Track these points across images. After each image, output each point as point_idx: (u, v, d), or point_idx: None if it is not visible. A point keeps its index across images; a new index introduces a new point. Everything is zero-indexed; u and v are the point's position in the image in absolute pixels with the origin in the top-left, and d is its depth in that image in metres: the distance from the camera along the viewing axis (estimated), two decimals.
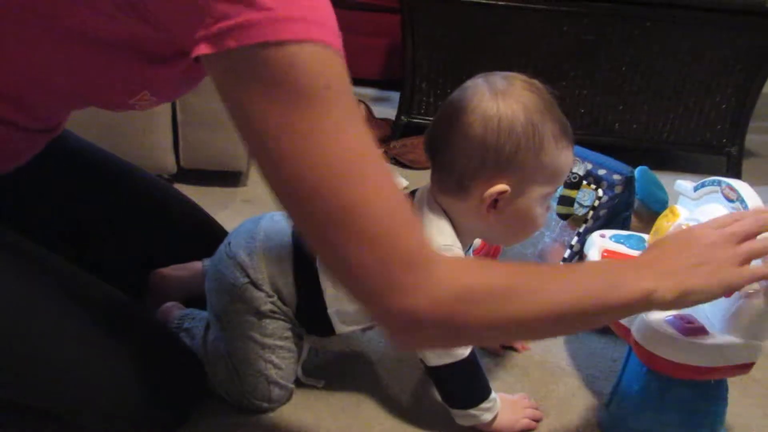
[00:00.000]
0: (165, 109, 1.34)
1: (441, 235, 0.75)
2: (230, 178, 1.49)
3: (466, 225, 0.77)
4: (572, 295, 0.58)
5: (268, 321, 0.80)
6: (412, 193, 0.81)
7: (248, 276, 0.79)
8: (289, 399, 0.83)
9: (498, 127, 0.69)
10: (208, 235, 0.97)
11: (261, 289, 0.79)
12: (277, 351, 0.81)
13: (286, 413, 0.81)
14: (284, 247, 0.80)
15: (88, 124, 1.14)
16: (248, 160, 1.48)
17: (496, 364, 0.94)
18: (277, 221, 0.83)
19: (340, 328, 0.81)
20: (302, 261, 0.79)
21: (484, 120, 0.70)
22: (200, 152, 1.41)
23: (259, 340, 0.80)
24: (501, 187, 0.71)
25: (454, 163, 0.72)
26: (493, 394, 0.79)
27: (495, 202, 0.73)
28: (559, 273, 0.66)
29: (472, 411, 0.78)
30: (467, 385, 0.78)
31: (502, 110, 0.70)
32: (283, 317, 0.81)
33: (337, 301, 0.79)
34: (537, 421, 0.83)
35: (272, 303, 0.79)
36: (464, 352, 0.76)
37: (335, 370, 0.90)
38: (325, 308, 0.79)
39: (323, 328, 0.82)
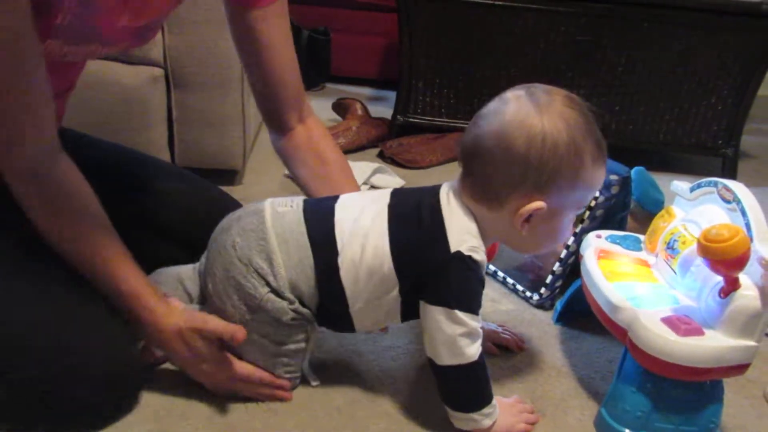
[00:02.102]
0: (160, 106, 1.34)
1: (469, 235, 0.75)
2: (226, 177, 1.48)
3: (492, 231, 0.77)
4: (84, 266, 0.74)
5: (285, 329, 0.79)
6: (435, 186, 0.80)
7: (268, 284, 0.77)
8: (295, 387, 0.85)
9: (542, 145, 0.70)
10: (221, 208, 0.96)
11: (283, 297, 0.77)
12: (290, 352, 0.81)
13: (281, 412, 0.81)
14: (302, 248, 0.78)
15: (83, 122, 1.14)
16: (244, 159, 1.47)
17: (491, 365, 0.93)
18: (282, 214, 0.80)
19: (361, 326, 0.82)
20: (323, 261, 0.77)
21: (529, 137, 0.70)
22: (195, 150, 1.40)
23: (273, 341, 0.80)
24: (538, 204, 0.72)
25: (493, 175, 0.73)
26: (494, 402, 0.78)
27: (529, 217, 0.73)
28: (107, 254, 0.75)
29: (474, 415, 0.77)
30: (473, 388, 0.78)
31: (547, 128, 0.70)
32: (301, 322, 0.79)
33: (358, 300, 0.78)
34: (532, 424, 0.82)
35: (293, 311, 0.78)
36: (474, 354, 0.75)
37: (331, 369, 0.89)
38: (347, 307, 0.79)
39: (344, 325, 0.82)
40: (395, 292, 0.77)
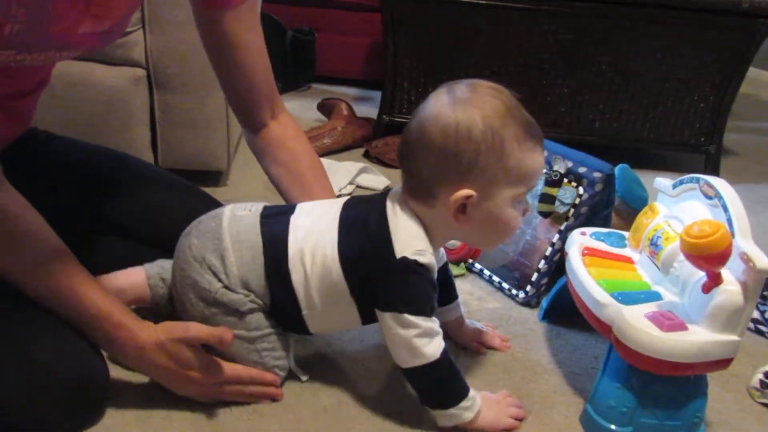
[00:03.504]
0: (143, 108, 1.33)
1: (415, 240, 0.76)
2: (210, 178, 1.47)
3: (438, 230, 0.78)
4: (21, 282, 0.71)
5: (249, 317, 0.80)
6: (384, 193, 0.81)
7: (221, 281, 0.79)
8: (283, 383, 0.85)
9: (456, 133, 0.71)
10: (196, 201, 0.98)
11: (236, 292, 0.79)
12: (266, 338, 0.81)
13: (266, 414, 0.81)
14: (255, 248, 0.79)
15: (66, 123, 1.13)
16: (228, 160, 1.46)
17: (477, 363, 0.94)
18: (240, 218, 0.81)
19: (315, 328, 0.83)
20: (273, 264, 0.79)
21: (443, 128, 0.72)
22: (179, 152, 1.39)
23: (245, 336, 0.80)
24: (465, 192, 0.73)
25: (420, 171, 0.74)
26: (472, 393, 0.78)
27: (463, 207, 0.74)
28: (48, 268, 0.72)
29: (452, 410, 0.78)
30: (442, 386, 0.78)
31: (460, 117, 0.71)
32: (262, 309, 0.81)
33: (311, 303, 0.79)
34: (520, 419, 0.83)
35: (250, 301, 0.79)
36: (434, 352, 0.75)
37: (317, 370, 0.89)
38: (299, 310, 0.80)
39: (298, 327, 0.83)
40: (347, 297, 0.79)
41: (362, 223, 0.79)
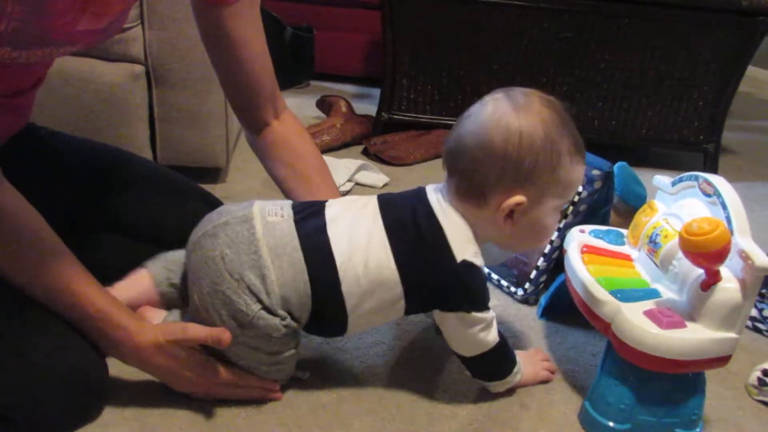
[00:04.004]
0: (142, 104, 1.32)
1: (470, 242, 0.77)
2: (209, 175, 1.47)
3: (480, 231, 0.79)
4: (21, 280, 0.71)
5: (277, 342, 0.77)
6: (421, 191, 0.81)
7: (261, 302, 0.74)
8: (284, 382, 0.84)
9: (519, 140, 0.72)
10: (201, 204, 0.97)
11: (275, 314, 0.75)
12: (282, 357, 0.80)
13: (265, 410, 0.81)
14: (296, 264, 0.75)
15: (64, 120, 1.13)
16: (227, 157, 1.46)
17: None
18: (274, 225, 0.77)
19: (354, 331, 0.82)
20: (320, 277, 0.76)
21: (507, 133, 0.72)
22: (178, 148, 1.39)
23: (265, 350, 0.78)
24: (518, 198, 0.74)
25: (475, 172, 0.74)
26: (518, 359, 0.86)
27: (511, 212, 0.75)
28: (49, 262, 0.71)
29: (507, 379, 0.85)
30: (501, 363, 0.85)
31: (524, 125, 0.72)
32: (292, 333, 0.78)
33: (359, 310, 0.78)
34: (552, 372, 0.91)
35: (285, 326, 0.76)
36: (495, 338, 0.81)
37: (316, 366, 0.89)
38: (346, 317, 0.78)
39: (336, 332, 0.84)
40: (401, 303, 0.78)
41: (412, 225, 0.77)
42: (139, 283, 0.84)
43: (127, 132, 1.32)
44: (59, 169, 0.96)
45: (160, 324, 0.77)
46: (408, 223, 0.77)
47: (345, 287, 0.76)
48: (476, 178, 0.75)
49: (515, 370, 0.85)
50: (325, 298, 0.76)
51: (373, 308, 0.78)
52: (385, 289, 0.77)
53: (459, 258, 0.76)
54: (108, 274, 0.89)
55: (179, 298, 0.85)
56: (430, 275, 0.77)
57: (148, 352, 0.75)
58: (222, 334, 0.74)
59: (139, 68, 1.29)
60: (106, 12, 0.75)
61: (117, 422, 0.77)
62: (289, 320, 0.76)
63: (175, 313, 0.83)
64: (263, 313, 0.74)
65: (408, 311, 0.80)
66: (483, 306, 0.79)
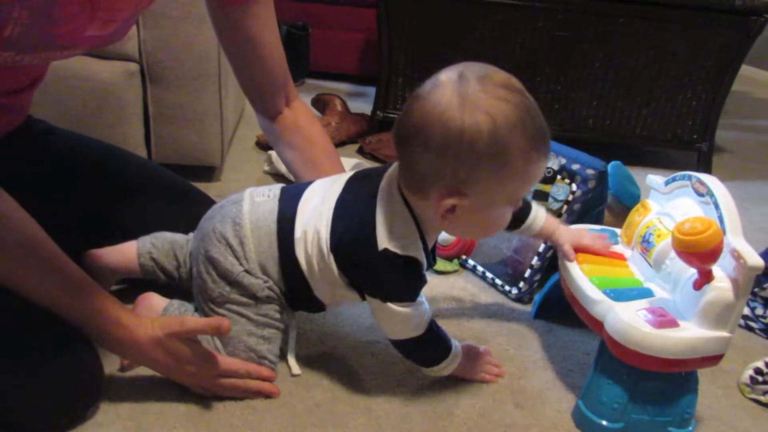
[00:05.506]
0: (136, 102, 1.32)
1: (399, 231, 0.74)
2: (203, 173, 1.46)
3: (430, 222, 0.76)
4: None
5: (264, 304, 0.82)
6: (385, 169, 0.79)
7: (241, 264, 0.81)
8: (276, 365, 0.85)
9: (459, 141, 0.65)
10: (191, 202, 1.01)
11: (257, 277, 0.81)
12: (267, 328, 0.83)
13: (260, 409, 0.81)
14: (271, 234, 0.81)
15: (59, 117, 1.12)
16: (222, 155, 1.46)
17: None
18: (258, 204, 0.82)
19: (328, 303, 0.86)
20: (283, 245, 0.80)
21: (446, 130, 0.65)
22: (172, 146, 1.38)
23: (253, 318, 0.82)
24: (455, 200, 0.69)
25: (415, 164, 0.70)
26: (453, 350, 0.85)
27: (453, 207, 0.70)
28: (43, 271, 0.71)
29: (433, 368, 0.85)
30: (424, 353, 0.85)
31: (467, 123, 0.65)
32: (276, 301, 0.83)
33: (318, 282, 0.81)
34: (498, 375, 0.91)
35: (268, 288, 0.81)
36: (418, 330, 0.80)
37: (311, 365, 0.89)
38: (311, 290, 0.82)
39: (313, 305, 0.86)
40: (340, 278, 0.79)
41: (353, 206, 0.78)
42: (123, 251, 0.91)
43: (122, 130, 1.32)
44: (57, 168, 0.96)
45: (157, 318, 0.78)
46: (351, 204, 0.78)
47: (300, 260, 0.80)
48: (416, 170, 0.70)
49: (444, 363, 0.84)
50: (288, 268, 0.81)
51: (328, 282, 0.80)
52: (325, 266, 0.79)
53: (381, 247, 0.73)
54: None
55: (159, 274, 0.91)
56: (354, 257, 0.77)
57: (148, 348, 0.75)
58: (221, 322, 0.75)
59: (134, 66, 1.29)
60: (114, 18, 0.75)
61: (112, 421, 0.77)
62: (271, 284, 0.81)
63: (176, 303, 0.86)
64: (245, 274, 0.80)
65: (358, 290, 0.81)
66: (402, 298, 0.77)
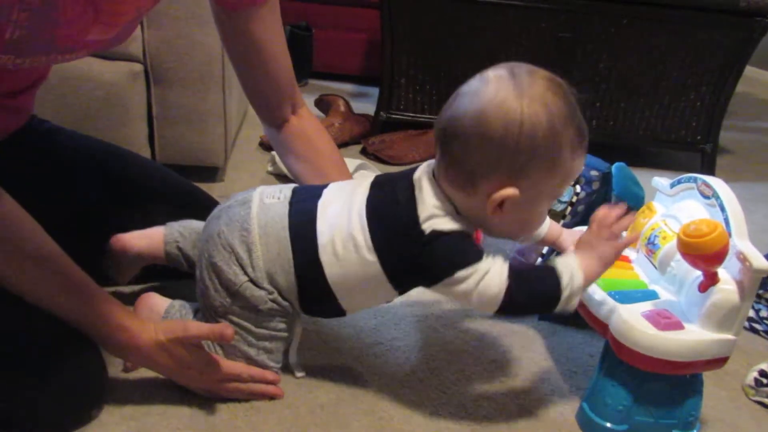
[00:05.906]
0: (140, 103, 1.32)
1: (438, 211, 0.73)
2: (207, 174, 1.47)
3: (469, 217, 0.74)
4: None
5: (264, 317, 0.80)
6: (412, 170, 0.77)
7: (247, 274, 0.78)
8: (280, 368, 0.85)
9: (519, 130, 0.66)
10: (194, 203, 1.00)
11: (261, 288, 0.78)
12: (269, 341, 0.81)
13: (263, 410, 0.81)
14: (281, 242, 0.77)
15: (62, 118, 1.12)
16: (225, 156, 1.46)
17: (473, 360, 0.94)
18: (268, 206, 0.79)
19: (352, 310, 0.83)
20: (303, 256, 0.77)
21: (507, 121, 0.66)
22: (176, 147, 1.39)
23: (254, 330, 0.80)
24: (510, 191, 0.69)
25: (468, 158, 0.69)
26: (561, 266, 0.74)
27: (501, 203, 0.70)
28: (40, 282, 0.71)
29: (562, 298, 0.73)
30: (535, 296, 0.75)
31: (526, 113, 0.66)
32: (280, 312, 0.80)
33: (347, 291, 0.78)
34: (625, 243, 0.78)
35: (272, 301, 0.78)
36: (502, 286, 0.72)
37: (314, 366, 0.89)
38: (336, 299, 0.79)
39: (334, 313, 0.83)
40: (384, 279, 0.76)
41: (391, 205, 0.75)
42: (150, 236, 0.90)
43: (126, 131, 1.32)
44: (60, 168, 0.96)
45: (161, 323, 0.78)
46: (388, 204, 0.76)
47: (327, 268, 0.76)
48: (468, 165, 0.69)
49: (564, 282, 0.72)
50: (309, 278, 0.78)
51: (361, 289, 0.78)
52: (367, 271, 0.76)
53: (427, 230, 0.72)
54: (107, 275, 0.90)
55: (183, 262, 0.90)
56: (403, 253, 0.74)
57: (151, 352, 0.75)
58: (224, 330, 0.75)
59: (138, 67, 1.29)
60: (116, 22, 0.74)
61: (116, 421, 0.77)
62: (276, 295, 0.78)
63: (177, 304, 0.86)
64: (249, 284, 0.78)
65: (399, 289, 0.79)
66: (465, 263, 0.72)
